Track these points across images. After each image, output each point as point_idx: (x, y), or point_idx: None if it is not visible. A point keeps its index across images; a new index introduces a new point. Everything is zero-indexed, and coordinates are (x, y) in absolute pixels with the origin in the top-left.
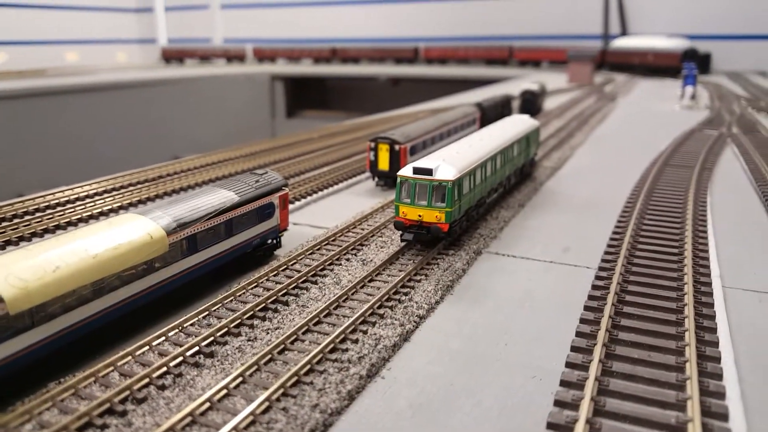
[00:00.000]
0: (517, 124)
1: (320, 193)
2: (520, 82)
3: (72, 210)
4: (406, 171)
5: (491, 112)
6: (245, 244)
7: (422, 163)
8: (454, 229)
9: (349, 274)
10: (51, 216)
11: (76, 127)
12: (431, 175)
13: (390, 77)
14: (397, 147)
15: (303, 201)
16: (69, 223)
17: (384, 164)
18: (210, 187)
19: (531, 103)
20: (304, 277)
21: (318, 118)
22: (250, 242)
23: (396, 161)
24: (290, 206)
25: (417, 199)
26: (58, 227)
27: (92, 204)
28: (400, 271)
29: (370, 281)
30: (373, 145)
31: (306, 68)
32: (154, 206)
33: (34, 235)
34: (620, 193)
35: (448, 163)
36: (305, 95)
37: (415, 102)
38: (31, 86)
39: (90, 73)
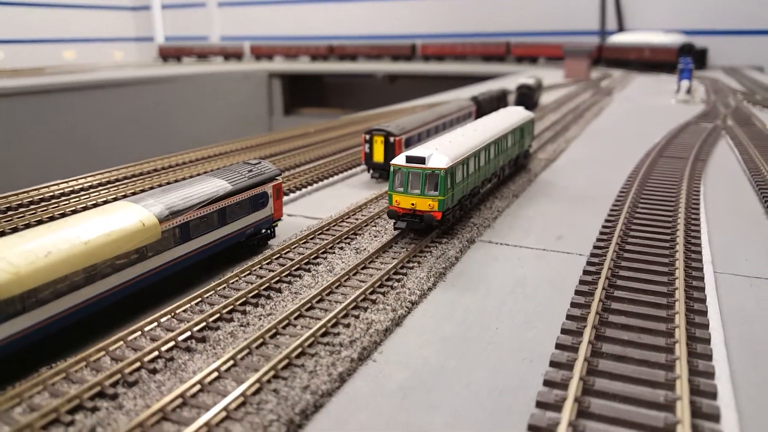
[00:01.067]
0: (511, 115)
1: (315, 186)
2: (517, 78)
3: (66, 202)
4: (399, 160)
5: (487, 106)
6: (238, 233)
7: (415, 151)
8: (447, 217)
9: (342, 262)
10: (45, 208)
11: (74, 125)
12: (424, 163)
13: (387, 74)
14: (392, 139)
15: (298, 193)
16: (63, 215)
17: (379, 156)
18: (203, 176)
19: (527, 97)
20: (298, 265)
21: (315, 115)
22: (244, 231)
23: (391, 153)
24: (285, 198)
25: (410, 187)
26: (52, 219)
27: (87, 196)
28: (393, 258)
29: (363, 269)
30: (368, 137)
31: (303, 65)
32: (147, 194)
33: (28, 227)
34: (615, 183)
35: (441, 151)
36: (302, 92)
37: (412, 98)
38: (28, 84)
39: (88, 71)
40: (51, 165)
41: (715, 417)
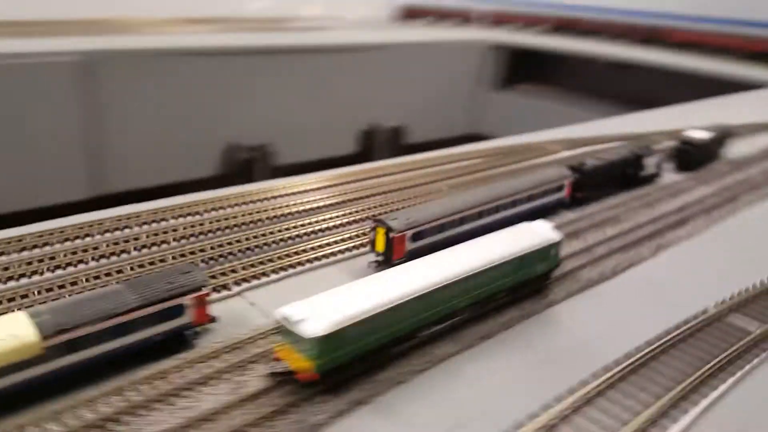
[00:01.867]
0: (513, 242)
1: (316, 261)
2: None
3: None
4: (282, 313)
5: (597, 178)
6: (142, 342)
7: (294, 309)
8: (330, 376)
9: (203, 404)
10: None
11: (287, 88)
12: (298, 325)
13: (615, 60)
14: (391, 234)
15: (292, 270)
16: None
17: (380, 247)
18: (114, 288)
19: (688, 155)
20: (164, 395)
21: (532, 92)
22: (150, 339)
23: (390, 248)
24: (275, 274)
25: (291, 342)
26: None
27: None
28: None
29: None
30: (372, 225)
31: (527, 38)
32: (46, 308)
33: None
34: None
35: (321, 315)
36: (521, 67)
37: (632, 95)
38: (249, 44)
39: (318, 29)
40: (258, 127)
41: None
